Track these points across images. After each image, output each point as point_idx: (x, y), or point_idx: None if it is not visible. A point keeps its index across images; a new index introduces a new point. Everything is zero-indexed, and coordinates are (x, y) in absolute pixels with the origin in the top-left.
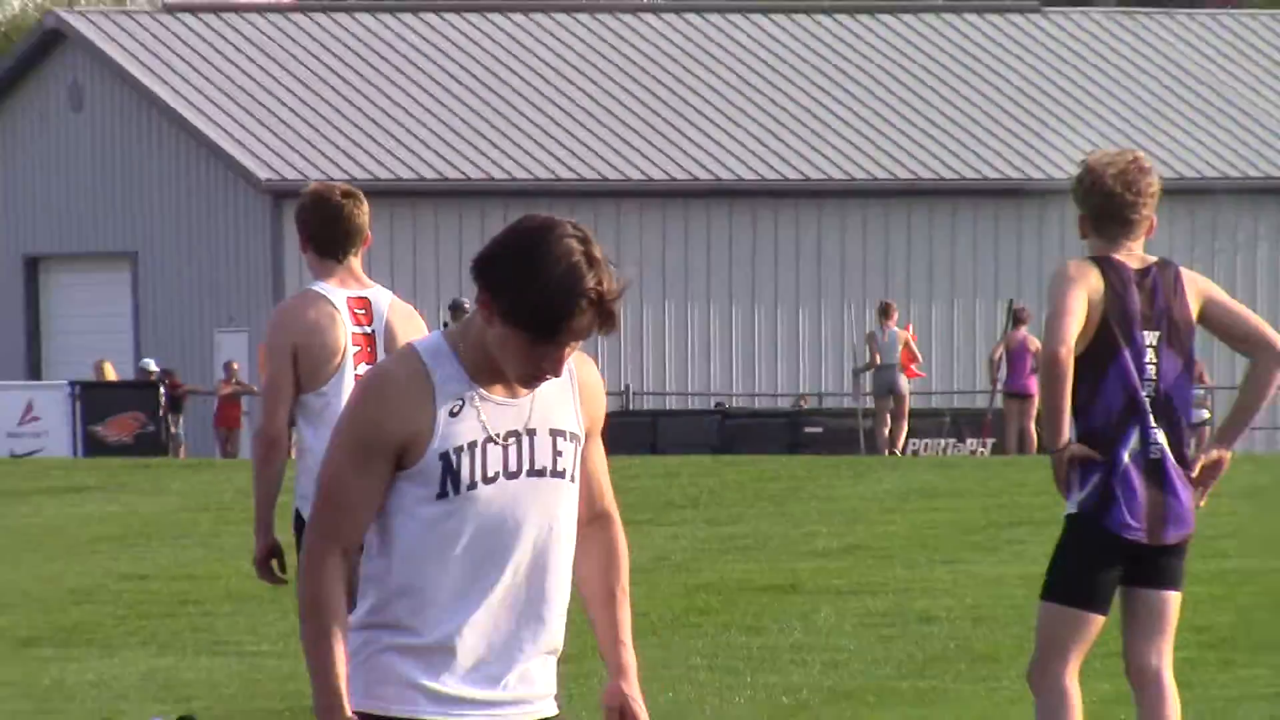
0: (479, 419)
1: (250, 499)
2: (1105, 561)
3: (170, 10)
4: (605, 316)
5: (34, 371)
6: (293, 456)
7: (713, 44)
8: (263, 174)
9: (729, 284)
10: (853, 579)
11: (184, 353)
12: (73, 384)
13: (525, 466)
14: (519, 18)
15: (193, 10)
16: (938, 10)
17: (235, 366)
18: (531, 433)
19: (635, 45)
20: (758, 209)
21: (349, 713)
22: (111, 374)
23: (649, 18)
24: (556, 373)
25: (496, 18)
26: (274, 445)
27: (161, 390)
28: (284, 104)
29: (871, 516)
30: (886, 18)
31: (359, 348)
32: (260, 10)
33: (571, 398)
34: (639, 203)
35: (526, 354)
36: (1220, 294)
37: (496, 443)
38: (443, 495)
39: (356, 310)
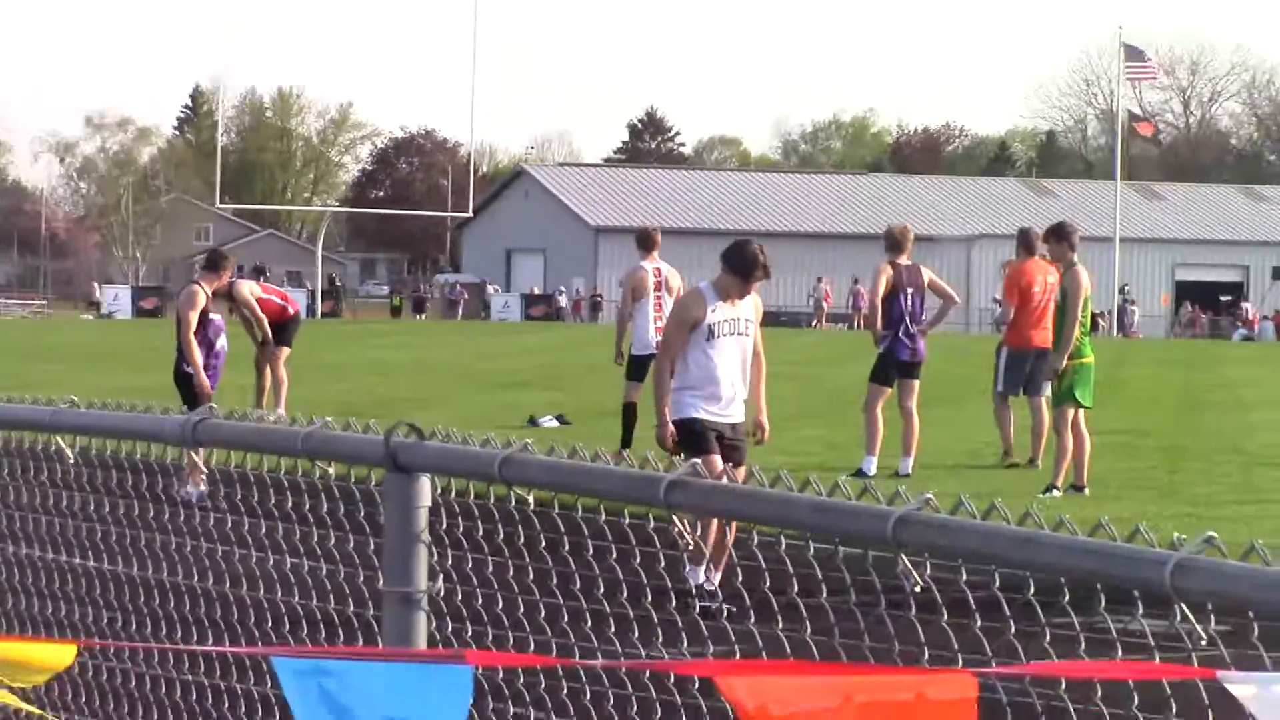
0: (720, 313)
1: None
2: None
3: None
4: (766, 273)
5: None
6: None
7: None
8: None
9: None
10: None
11: None
12: None
13: (736, 330)
14: None
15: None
16: None
17: None
18: (737, 319)
19: None
20: None
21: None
22: None
23: None
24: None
25: None
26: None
27: None
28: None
29: None
30: None
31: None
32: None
33: (752, 308)
34: None
35: (739, 288)
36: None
37: (727, 321)
38: (709, 339)
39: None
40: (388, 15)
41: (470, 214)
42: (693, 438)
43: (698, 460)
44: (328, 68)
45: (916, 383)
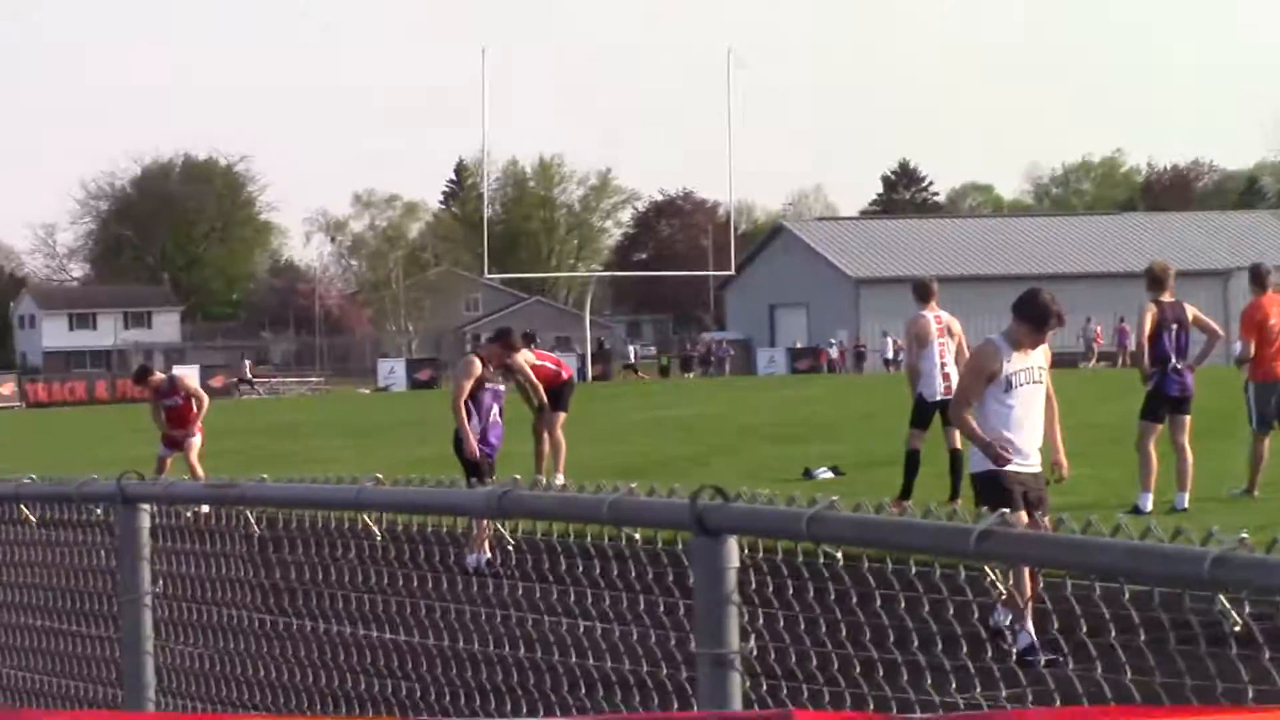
0: (1016, 363)
1: None
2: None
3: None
4: (1060, 320)
5: None
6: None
7: None
8: None
9: None
10: None
11: None
12: None
13: (1031, 379)
14: None
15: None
16: None
17: None
18: (1029, 368)
19: None
20: None
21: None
22: None
23: None
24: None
25: None
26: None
27: None
28: None
29: None
30: None
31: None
32: None
33: (1043, 355)
34: None
35: (1032, 337)
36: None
37: (1023, 371)
38: (1007, 390)
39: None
40: (643, 82)
41: (733, 271)
42: (998, 492)
43: (1006, 510)
44: (586, 135)
45: (1188, 418)
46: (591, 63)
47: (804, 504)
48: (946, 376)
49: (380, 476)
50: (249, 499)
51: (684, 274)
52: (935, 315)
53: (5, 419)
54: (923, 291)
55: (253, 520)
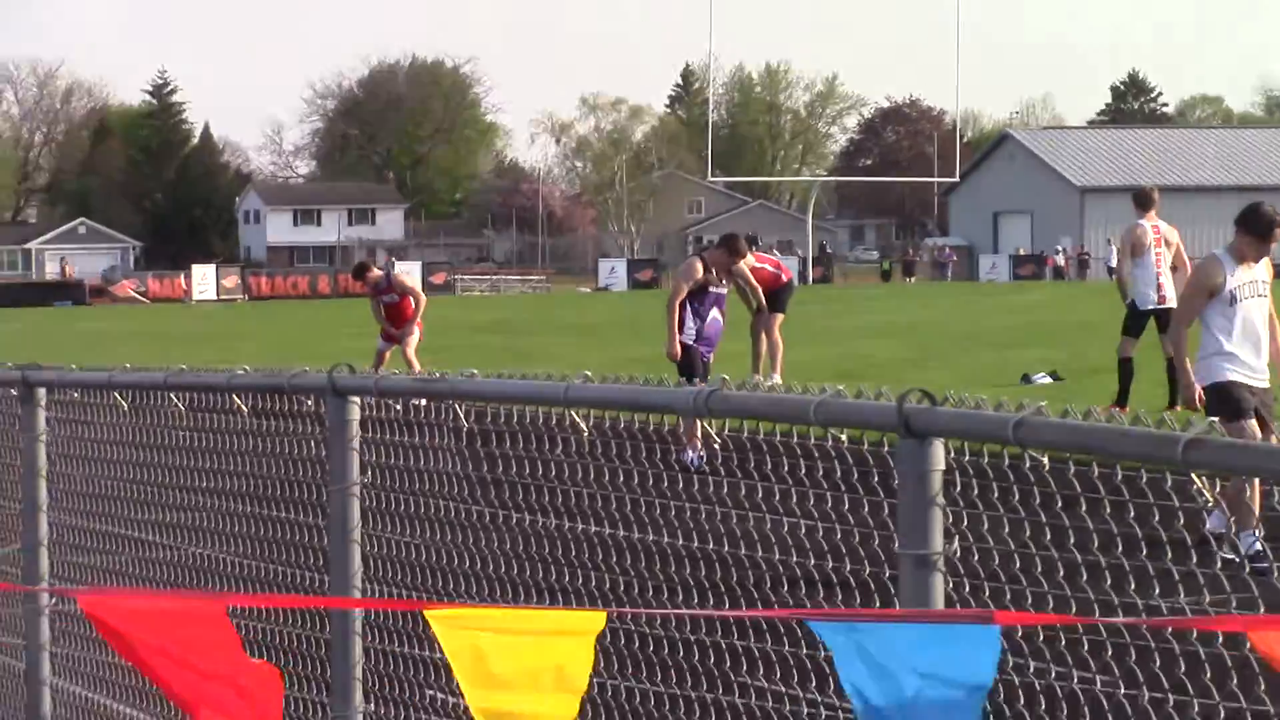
0: (1239, 276)
1: None
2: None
3: None
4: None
5: None
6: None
7: None
8: None
9: None
10: None
11: None
12: None
13: (1256, 293)
14: None
15: None
16: None
17: None
18: (1254, 281)
19: None
20: None
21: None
22: None
23: None
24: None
25: None
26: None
27: None
28: None
29: None
30: None
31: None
32: None
33: (1266, 269)
34: None
35: (1256, 249)
36: None
37: (1246, 284)
38: (1231, 304)
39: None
40: None
41: (957, 179)
42: (1230, 402)
43: (1216, 419)
44: (814, 41)
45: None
46: None
47: (1012, 409)
48: (1160, 286)
49: (589, 374)
50: (459, 393)
51: (908, 180)
52: (1154, 225)
53: (229, 311)
54: (1143, 200)
55: (461, 414)
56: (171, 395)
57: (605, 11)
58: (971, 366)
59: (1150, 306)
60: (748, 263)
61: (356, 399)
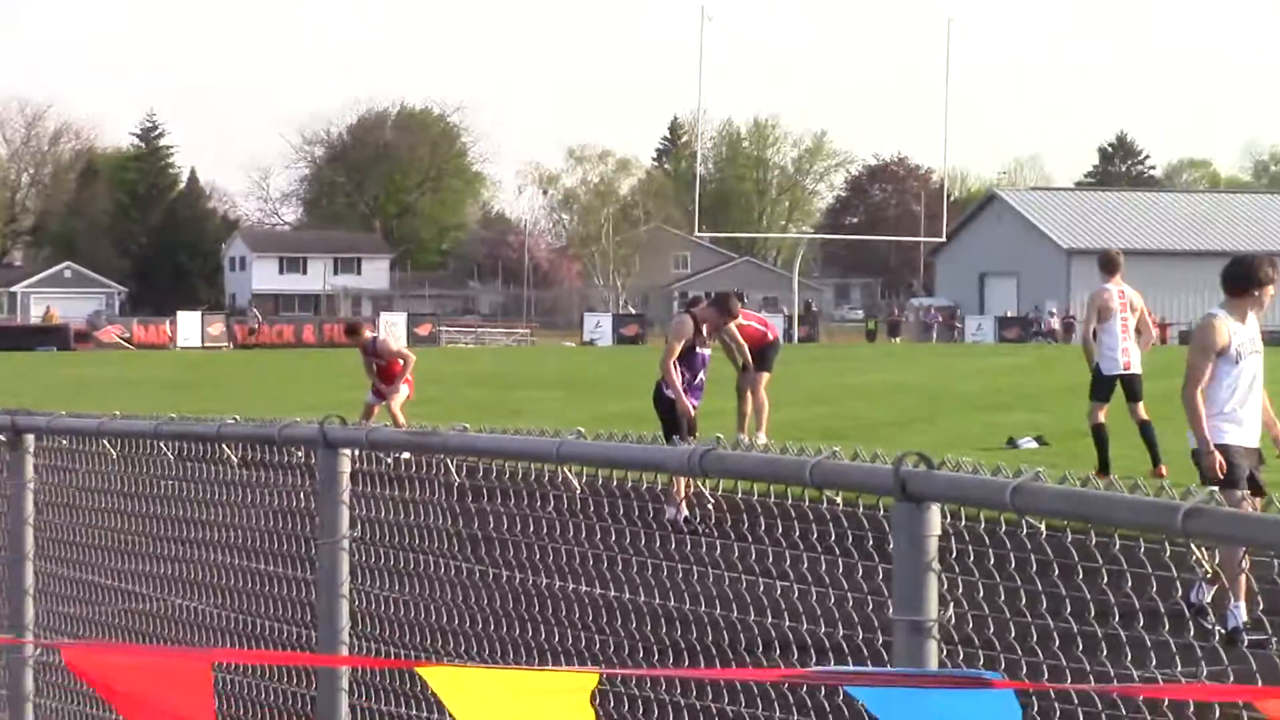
0: (1240, 334)
1: None
2: None
3: None
4: (1271, 275)
5: None
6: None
7: None
8: None
9: None
10: None
11: None
12: None
13: (1254, 349)
14: None
15: None
16: None
17: None
18: (1251, 338)
19: None
20: None
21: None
22: None
23: None
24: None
25: None
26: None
27: None
28: None
29: None
30: None
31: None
32: None
33: (1256, 326)
34: None
35: (1243, 305)
36: None
37: (1246, 341)
38: (1235, 363)
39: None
40: (860, 46)
41: (943, 238)
42: (1227, 469)
43: (1215, 488)
44: (803, 97)
45: None
46: (808, 26)
47: (1009, 474)
48: (1126, 351)
49: (583, 430)
50: (450, 447)
51: (895, 239)
52: (1120, 289)
53: (213, 359)
54: (1108, 264)
55: (453, 469)
56: (161, 444)
57: (594, 62)
58: (957, 429)
59: (1116, 371)
60: (735, 320)
61: (348, 451)
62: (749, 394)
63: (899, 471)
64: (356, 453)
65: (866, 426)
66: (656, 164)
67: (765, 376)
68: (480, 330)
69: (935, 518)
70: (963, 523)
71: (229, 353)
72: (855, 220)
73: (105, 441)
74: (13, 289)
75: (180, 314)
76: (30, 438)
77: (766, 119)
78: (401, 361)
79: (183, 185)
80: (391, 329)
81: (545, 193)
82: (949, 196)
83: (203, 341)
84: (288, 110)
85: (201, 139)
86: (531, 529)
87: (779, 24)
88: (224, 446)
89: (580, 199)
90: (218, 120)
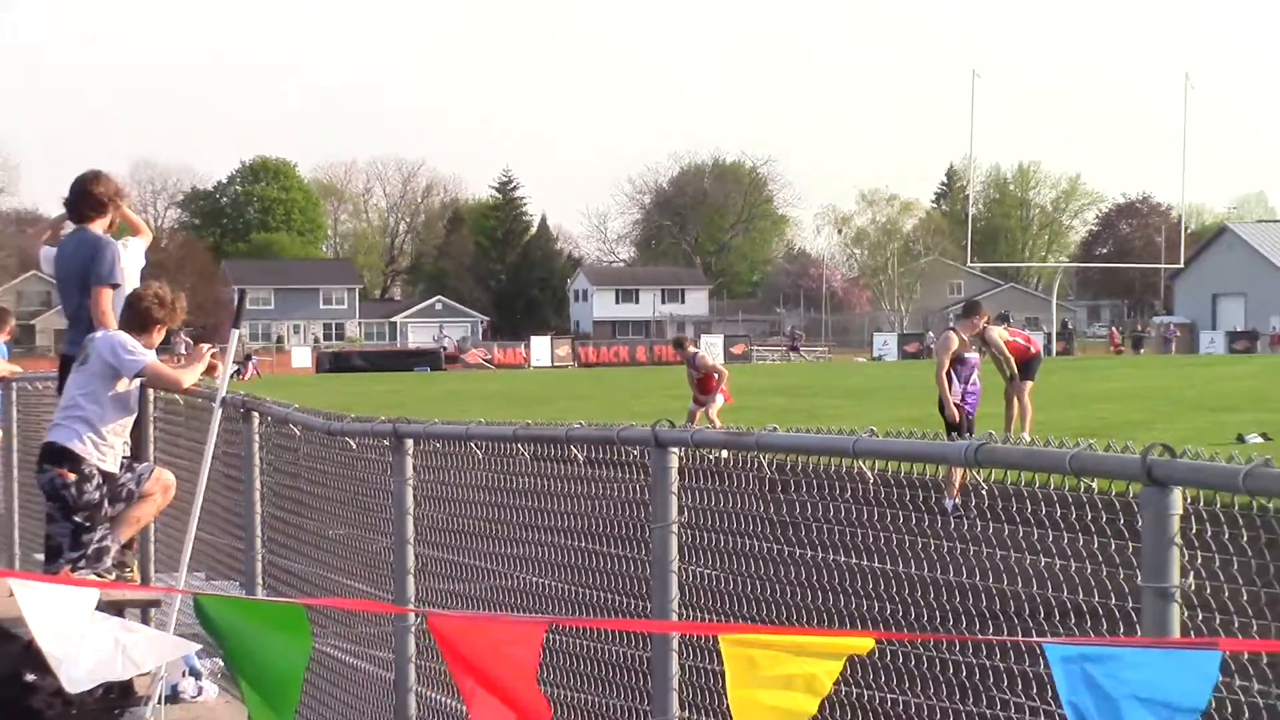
0: None
1: None
2: None
3: None
4: None
5: None
6: None
7: None
8: None
9: None
10: None
11: None
12: None
13: None
14: None
15: None
16: None
17: None
18: None
19: None
20: None
21: None
22: None
23: None
24: None
25: None
26: None
27: None
28: None
29: None
30: None
31: None
32: None
33: None
34: None
35: None
36: None
37: None
38: None
39: None
40: (1110, 96)
41: (1181, 265)
42: None
43: None
44: (1060, 144)
45: None
46: (1065, 79)
47: (1241, 461)
48: None
49: (875, 429)
50: (763, 445)
51: (1139, 266)
52: None
53: (561, 375)
54: None
55: (765, 463)
56: (519, 445)
57: (882, 117)
58: (1193, 427)
59: None
60: (1002, 336)
61: (675, 450)
62: (1015, 400)
63: (1146, 460)
64: (683, 451)
65: (1114, 426)
66: (935, 204)
67: (1029, 385)
68: (786, 348)
69: (1178, 499)
70: (1201, 504)
71: (574, 370)
72: (1105, 250)
73: (472, 444)
74: (393, 319)
75: (533, 338)
76: (409, 441)
77: (1029, 164)
78: (716, 376)
79: (534, 230)
80: (710, 348)
81: (840, 231)
82: (1186, 229)
83: (552, 361)
84: (622, 164)
85: (550, 190)
86: (832, 513)
87: (1040, 78)
88: (571, 447)
89: (870, 236)
90: (564, 174)
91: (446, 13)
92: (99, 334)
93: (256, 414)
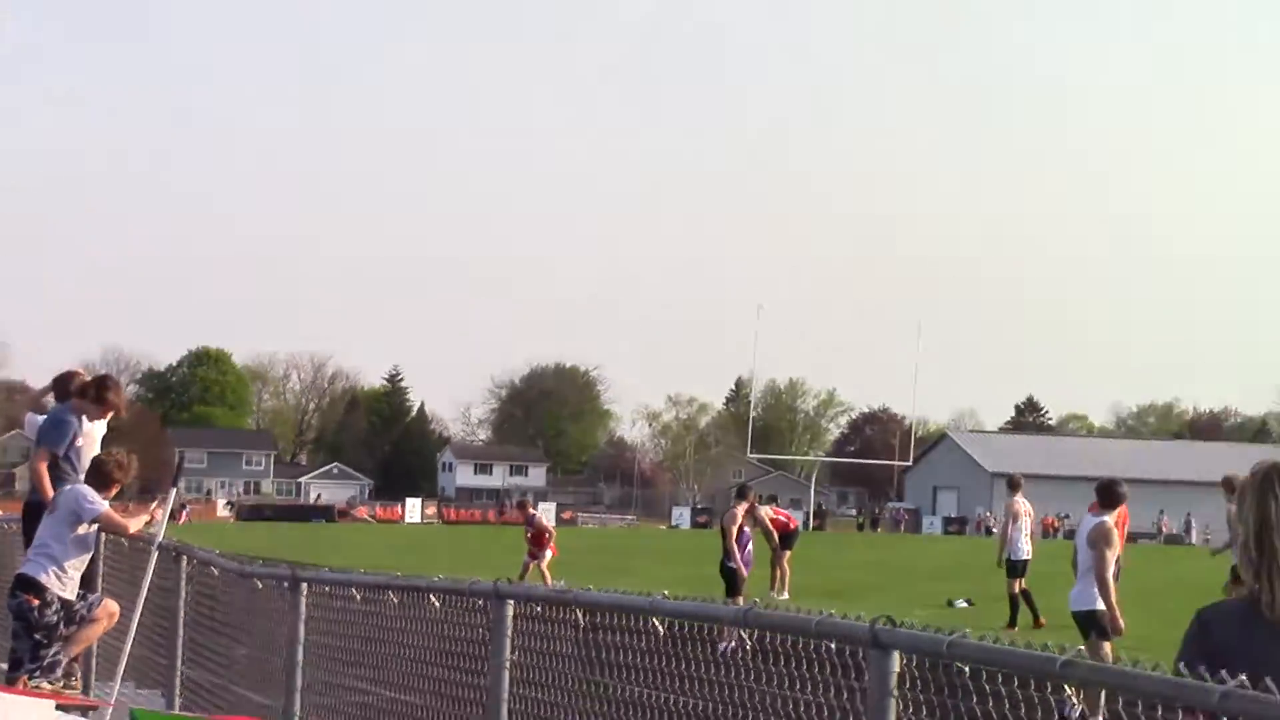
0: None
1: None
2: None
3: None
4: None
5: None
6: None
7: None
8: None
9: None
10: None
11: None
12: None
13: None
14: None
15: None
16: None
17: None
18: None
19: None
20: None
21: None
22: None
23: None
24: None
25: None
26: None
27: None
28: None
29: None
30: None
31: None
32: None
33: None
34: None
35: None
36: None
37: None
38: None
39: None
40: (862, 327)
41: (910, 463)
42: (1101, 628)
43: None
44: (823, 364)
45: None
46: (830, 317)
47: (946, 633)
48: (1029, 541)
49: (666, 593)
50: (580, 601)
51: (878, 462)
52: (1027, 507)
53: (429, 530)
54: (1014, 484)
55: (580, 615)
56: (390, 592)
57: (687, 339)
58: (913, 592)
59: (1023, 557)
60: (767, 513)
61: (511, 601)
62: (777, 565)
63: (873, 627)
64: (516, 602)
65: (854, 588)
66: (725, 407)
67: (788, 553)
68: (604, 516)
69: (896, 660)
70: (913, 663)
71: (439, 526)
72: (853, 448)
73: (353, 589)
74: (299, 479)
75: (408, 500)
76: (304, 585)
77: (798, 379)
78: (547, 534)
79: (414, 413)
80: (545, 513)
81: (650, 424)
82: (915, 434)
83: (422, 519)
84: (485, 365)
85: (428, 382)
86: (633, 659)
87: (809, 312)
88: (432, 596)
89: (673, 429)
90: (441, 372)
91: (353, 242)
92: (67, 487)
93: (185, 557)
